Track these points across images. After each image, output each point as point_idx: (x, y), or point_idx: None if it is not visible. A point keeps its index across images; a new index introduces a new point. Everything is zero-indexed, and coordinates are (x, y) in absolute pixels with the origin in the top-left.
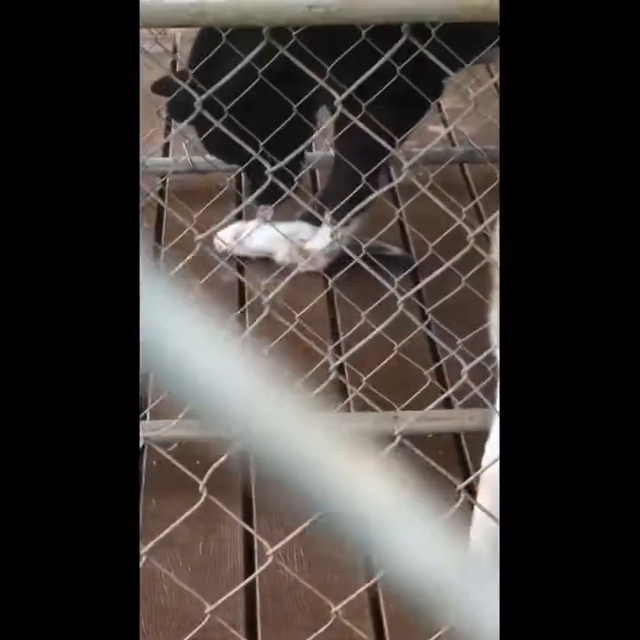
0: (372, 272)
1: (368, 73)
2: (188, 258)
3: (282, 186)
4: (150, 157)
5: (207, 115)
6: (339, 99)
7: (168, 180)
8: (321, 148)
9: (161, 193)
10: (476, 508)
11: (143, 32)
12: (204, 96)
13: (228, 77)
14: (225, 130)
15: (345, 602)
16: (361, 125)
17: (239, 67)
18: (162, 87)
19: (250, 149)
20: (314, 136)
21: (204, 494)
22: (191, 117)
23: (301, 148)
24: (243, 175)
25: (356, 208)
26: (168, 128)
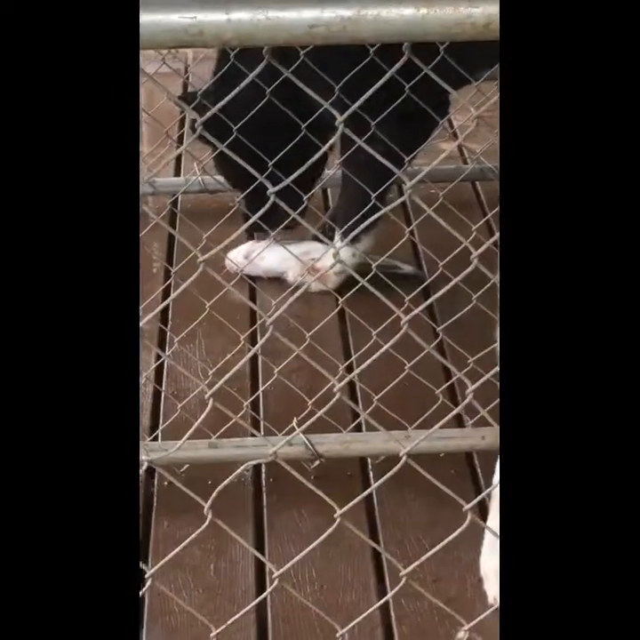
0: (379, 294)
1: (369, 92)
2: (192, 278)
3: (286, 208)
4: (161, 178)
5: (208, 136)
6: (340, 119)
7: (179, 199)
8: (331, 166)
9: (172, 213)
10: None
11: (151, 53)
12: (203, 118)
13: (228, 98)
14: (230, 153)
15: (353, 622)
16: (364, 146)
17: (239, 88)
18: (188, 99)
19: (254, 172)
20: (317, 155)
21: (209, 517)
22: (192, 138)
23: (302, 168)
24: (241, 201)
25: (362, 225)
26: (179, 148)
